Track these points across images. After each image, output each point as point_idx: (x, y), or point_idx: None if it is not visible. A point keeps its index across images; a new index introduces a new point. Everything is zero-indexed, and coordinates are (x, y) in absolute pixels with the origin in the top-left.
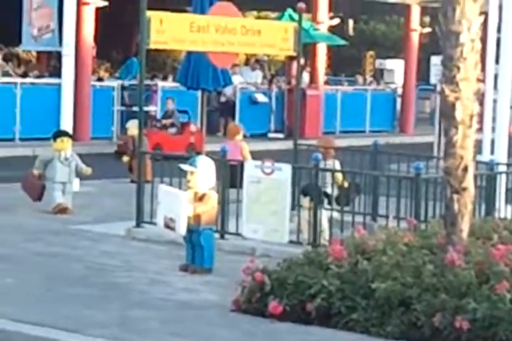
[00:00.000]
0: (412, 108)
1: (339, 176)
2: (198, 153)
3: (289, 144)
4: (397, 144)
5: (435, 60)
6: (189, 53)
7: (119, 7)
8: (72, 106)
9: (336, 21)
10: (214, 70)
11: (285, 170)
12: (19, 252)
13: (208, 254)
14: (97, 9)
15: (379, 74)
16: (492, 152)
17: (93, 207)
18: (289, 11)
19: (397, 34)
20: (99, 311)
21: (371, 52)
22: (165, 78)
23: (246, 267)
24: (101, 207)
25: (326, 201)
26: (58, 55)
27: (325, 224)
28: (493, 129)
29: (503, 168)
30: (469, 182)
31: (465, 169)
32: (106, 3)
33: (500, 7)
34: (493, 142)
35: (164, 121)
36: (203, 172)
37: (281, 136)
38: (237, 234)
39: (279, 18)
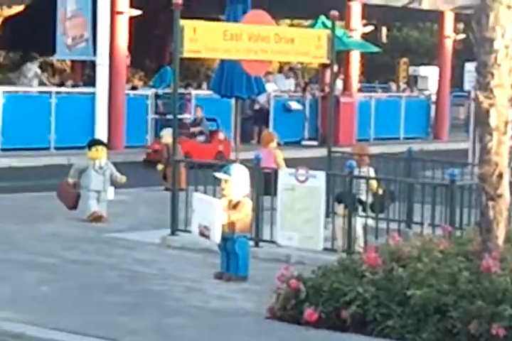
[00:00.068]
0: (446, 114)
1: (373, 183)
2: (231, 162)
3: (323, 152)
4: (432, 151)
5: (469, 67)
6: (222, 61)
7: (153, 16)
8: (106, 115)
9: (369, 28)
10: (248, 78)
11: (319, 178)
12: (55, 260)
13: (242, 262)
14: (131, 18)
15: (413, 81)
16: None
17: (128, 215)
18: (322, 18)
19: (430, 41)
20: (134, 319)
21: (404, 59)
22: (199, 86)
23: (281, 274)
24: (135, 215)
25: (360, 208)
26: (92, 64)
27: (359, 231)
28: None
29: None
30: (504, 188)
31: (500, 176)
32: (139, 12)
33: None
34: None
35: (193, 129)
36: (237, 180)
37: (315, 143)
38: (272, 242)
39: (313, 26)
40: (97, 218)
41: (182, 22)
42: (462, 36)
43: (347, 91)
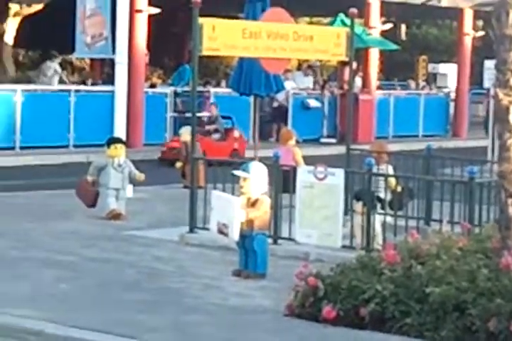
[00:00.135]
0: (466, 112)
1: (392, 181)
2: (250, 159)
3: (341, 149)
4: (451, 148)
5: (488, 64)
6: (241, 59)
7: (172, 14)
8: (125, 113)
9: (388, 26)
10: (266, 76)
11: (338, 175)
12: (74, 258)
13: (261, 259)
14: (150, 16)
15: (432, 79)
16: None
17: (146, 212)
18: (341, 16)
19: (449, 38)
20: (152, 316)
21: (424, 57)
22: (218, 84)
23: (299, 272)
24: (154, 213)
25: (379, 206)
26: (111, 63)
27: (378, 228)
28: None
29: None
30: None
31: None
32: (158, 11)
33: None
34: None
35: (208, 127)
36: (256, 178)
37: (333, 141)
38: (290, 239)
39: (332, 24)
40: (115, 216)
41: (201, 20)
42: (481, 33)
43: (366, 89)
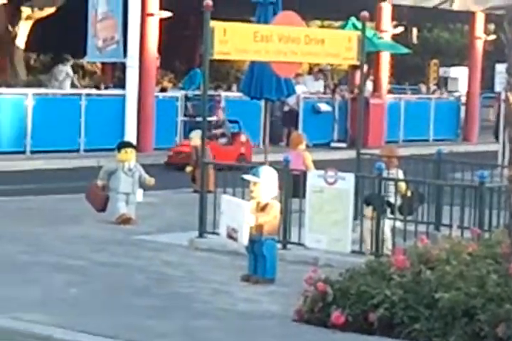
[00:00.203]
0: (476, 116)
1: (402, 185)
2: (260, 164)
3: (351, 153)
4: (461, 153)
5: (500, 68)
6: (252, 63)
7: (183, 18)
8: (136, 117)
9: (400, 30)
10: (277, 80)
11: (348, 180)
12: (84, 263)
13: (270, 264)
14: (161, 20)
15: (443, 83)
16: None
17: (156, 217)
18: (353, 19)
19: (461, 42)
20: (162, 321)
21: (435, 61)
22: (229, 88)
23: (308, 277)
24: (164, 218)
25: (389, 210)
26: (123, 66)
27: (388, 233)
28: None
29: None
30: None
31: None
32: (170, 15)
33: None
34: None
35: (215, 131)
36: (266, 183)
37: (344, 145)
38: (300, 244)
39: (343, 27)
40: (125, 220)
41: (212, 24)
42: (493, 37)
43: (376, 93)
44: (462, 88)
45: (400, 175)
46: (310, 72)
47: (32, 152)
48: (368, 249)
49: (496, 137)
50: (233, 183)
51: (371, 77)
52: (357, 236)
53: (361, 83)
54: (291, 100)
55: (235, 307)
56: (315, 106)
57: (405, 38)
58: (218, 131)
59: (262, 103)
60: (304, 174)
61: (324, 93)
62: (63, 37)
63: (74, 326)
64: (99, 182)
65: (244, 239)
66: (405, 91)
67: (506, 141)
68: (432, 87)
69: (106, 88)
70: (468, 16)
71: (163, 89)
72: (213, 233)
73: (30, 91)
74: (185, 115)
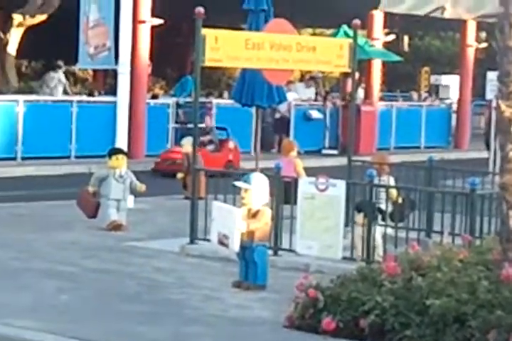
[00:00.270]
0: (468, 124)
1: (393, 192)
2: (251, 170)
3: (343, 160)
4: (452, 160)
5: (491, 76)
6: (244, 70)
7: (175, 25)
8: (127, 123)
9: (391, 37)
10: (269, 87)
11: (339, 187)
12: (75, 269)
13: (261, 271)
14: (153, 27)
15: (434, 90)
16: None
17: (147, 223)
18: (344, 27)
19: (452, 50)
20: (153, 328)
21: (426, 68)
22: (220, 95)
23: (299, 283)
24: (155, 224)
25: (380, 217)
26: (114, 73)
27: (379, 240)
28: None
29: None
30: None
31: None
32: (161, 22)
33: None
34: None
35: (202, 138)
36: (257, 189)
37: (335, 152)
38: (291, 251)
39: (335, 35)
40: (116, 227)
41: (204, 31)
42: (484, 45)
43: (368, 100)
44: (453, 96)
45: (392, 182)
46: (301, 79)
47: (23, 158)
48: (359, 255)
49: (487, 144)
50: (224, 190)
51: (363, 85)
52: (348, 243)
53: (353, 90)
54: (283, 107)
55: (226, 314)
56: (306, 113)
57: (397, 45)
58: (206, 138)
59: (254, 110)
60: (296, 181)
61: (315, 100)
62: (55, 44)
63: (65, 332)
64: (91, 189)
65: (235, 246)
66: (397, 99)
67: (497, 149)
68: (424, 95)
69: (100, 94)
70: (460, 24)
71: (155, 96)
72: (204, 239)
73: (22, 98)
74: (176, 122)
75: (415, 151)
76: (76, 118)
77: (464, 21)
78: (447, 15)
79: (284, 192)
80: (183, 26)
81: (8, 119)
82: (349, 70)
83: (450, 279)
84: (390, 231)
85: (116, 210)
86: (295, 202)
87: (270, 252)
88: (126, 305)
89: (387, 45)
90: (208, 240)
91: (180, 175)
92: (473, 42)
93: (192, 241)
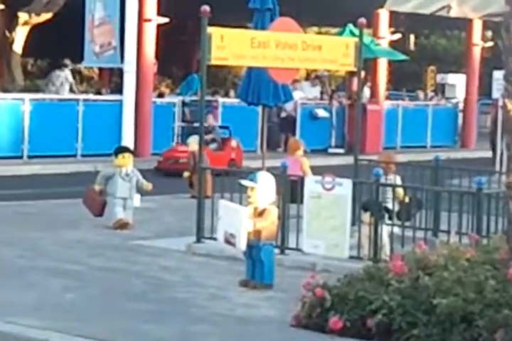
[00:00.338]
0: (474, 123)
1: (400, 191)
2: (258, 169)
3: (349, 159)
4: (459, 159)
5: (497, 75)
6: (250, 69)
7: (180, 24)
8: (133, 122)
9: (397, 36)
10: (275, 86)
11: (346, 186)
12: (81, 267)
13: (267, 270)
14: (159, 26)
15: (440, 89)
16: None
17: (154, 222)
18: (350, 26)
19: (458, 49)
20: (158, 326)
21: (432, 67)
22: (226, 94)
23: (306, 282)
24: (161, 223)
25: (386, 216)
26: (120, 72)
27: (385, 239)
28: None
29: None
30: None
31: None
32: (167, 20)
33: None
34: None
35: (205, 137)
36: (264, 188)
37: (341, 151)
38: (298, 250)
39: (340, 34)
40: (122, 225)
41: (209, 29)
42: (490, 44)
43: (374, 99)
44: (460, 95)
45: (398, 181)
46: (307, 78)
47: (29, 157)
48: (366, 254)
49: (493, 143)
50: (231, 188)
51: (368, 84)
52: (355, 242)
53: (359, 89)
54: (289, 106)
55: (232, 313)
56: (312, 112)
57: (403, 44)
58: (208, 137)
59: (260, 109)
60: (302, 180)
61: (321, 99)
62: (60, 42)
63: (70, 330)
64: (97, 187)
65: (242, 245)
66: (402, 98)
67: (504, 148)
68: (430, 94)
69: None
70: (466, 23)
71: (161, 95)
72: (211, 238)
73: (27, 96)
74: (182, 120)
75: (421, 150)
76: (82, 116)
77: (470, 20)
78: (453, 14)
79: (291, 191)
80: (189, 25)
81: (14, 118)
82: (355, 69)
83: (457, 278)
84: (396, 230)
85: (123, 209)
86: (301, 201)
87: (277, 251)
88: (132, 303)
89: (393, 44)
90: (215, 239)
91: (186, 174)
92: (479, 41)
93: (198, 240)
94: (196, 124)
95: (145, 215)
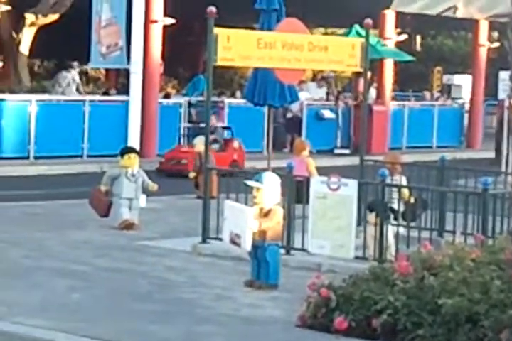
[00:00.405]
0: (480, 123)
1: (406, 192)
2: (263, 170)
3: (355, 160)
4: (464, 160)
5: (503, 75)
6: (256, 70)
7: (187, 25)
8: (139, 123)
9: (403, 37)
10: (281, 87)
11: (351, 186)
12: (87, 268)
13: (273, 270)
14: (165, 27)
15: (446, 90)
16: None
17: (159, 223)
18: (356, 27)
19: (464, 49)
20: (164, 327)
21: (438, 68)
22: (233, 95)
23: (312, 283)
24: (167, 223)
25: (392, 217)
26: (126, 73)
27: (391, 239)
28: None
29: None
30: None
31: None
32: (173, 21)
33: None
34: None
35: None
36: (269, 189)
37: (347, 151)
38: (303, 250)
39: (347, 35)
40: (128, 226)
41: (216, 30)
42: (496, 45)
43: (380, 100)
44: (466, 95)
45: (404, 181)
46: (313, 78)
47: (35, 157)
48: (371, 254)
49: (498, 144)
50: (236, 189)
51: (375, 84)
52: (360, 242)
53: (365, 90)
54: (295, 107)
55: (238, 313)
56: (318, 113)
57: (409, 45)
58: (211, 137)
59: (266, 109)
60: (308, 180)
61: (327, 100)
62: (67, 43)
63: (76, 331)
64: (103, 188)
65: (247, 245)
66: (409, 98)
67: (510, 148)
68: (436, 94)
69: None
70: (472, 24)
71: (167, 96)
72: (216, 238)
73: (34, 97)
74: (189, 121)
75: (427, 151)
76: (88, 117)
77: (476, 21)
78: (459, 14)
79: (296, 191)
80: (195, 25)
81: (21, 119)
82: (361, 70)
83: (462, 279)
84: (402, 230)
85: (129, 209)
86: (307, 202)
87: (282, 251)
88: (138, 304)
89: (399, 45)
90: (220, 239)
91: (192, 175)
92: (485, 42)
93: (204, 241)
94: (202, 125)
95: (151, 216)
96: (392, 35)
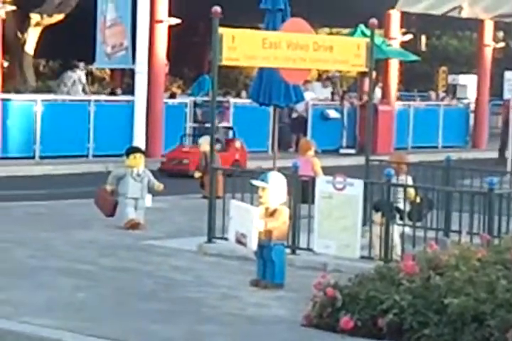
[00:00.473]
0: (485, 123)
1: (411, 191)
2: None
3: (360, 160)
4: (470, 159)
5: (509, 75)
6: (261, 69)
7: (192, 25)
8: (144, 122)
9: (409, 37)
10: (286, 86)
11: (357, 186)
12: (93, 267)
13: (278, 269)
14: (170, 27)
15: (452, 90)
16: None
17: (165, 222)
18: (361, 27)
19: (469, 49)
20: (170, 326)
21: (444, 68)
22: (238, 95)
23: (317, 282)
24: (173, 223)
25: (398, 216)
26: (131, 73)
27: (397, 239)
28: None
29: None
30: None
31: None
32: (178, 21)
33: None
34: None
35: None
36: (275, 188)
37: (352, 151)
38: (309, 250)
39: (352, 34)
40: (134, 225)
41: (221, 30)
42: (502, 45)
43: (385, 100)
44: (471, 95)
45: (409, 181)
46: (319, 78)
47: (41, 157)
48: (377, 254)
49: (503, 144)
50: (242, 189)
51: (380, 84)
52: (366, 242)
53: (370, 90)
54: (300, 107)
55: (243, 312)
56: (324, 113)
57: (414, 45)
58: None
59: (271, 109)
60: (313, 180)
61: (332, 100)
62: (72, 43)
63: (82, 330)
64: (108, 187)
65: (253, 244)
66: (414, 98)
67: None
68: (441, 94)
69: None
70: (477, 24)
71: (172, 96)
72: (222, 238)
73: (39, 97)
74: (194, 121)
75: (433, 151)
76: (94, 117)
77: (481, 21)
78: (464, 14)
79: (302, 191)
80: (200, 25)
81: (26, 118)
82: (366, 70)
83: (468, 278)
84: (407, 230)
85: (134, 209)
86: (313, 201)
87: (288, 251)
88: (143, 303)
89: (404, 45)
90: (226, 239)
91: (197, 174)
92: (490, 42)
93: (210, 240)
94: (208, 125)
95: (156, 215)
96: (398, 35)
